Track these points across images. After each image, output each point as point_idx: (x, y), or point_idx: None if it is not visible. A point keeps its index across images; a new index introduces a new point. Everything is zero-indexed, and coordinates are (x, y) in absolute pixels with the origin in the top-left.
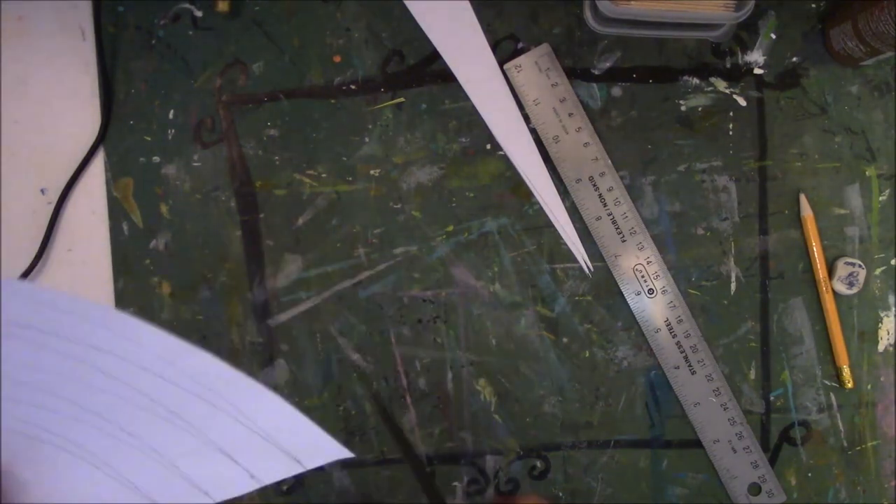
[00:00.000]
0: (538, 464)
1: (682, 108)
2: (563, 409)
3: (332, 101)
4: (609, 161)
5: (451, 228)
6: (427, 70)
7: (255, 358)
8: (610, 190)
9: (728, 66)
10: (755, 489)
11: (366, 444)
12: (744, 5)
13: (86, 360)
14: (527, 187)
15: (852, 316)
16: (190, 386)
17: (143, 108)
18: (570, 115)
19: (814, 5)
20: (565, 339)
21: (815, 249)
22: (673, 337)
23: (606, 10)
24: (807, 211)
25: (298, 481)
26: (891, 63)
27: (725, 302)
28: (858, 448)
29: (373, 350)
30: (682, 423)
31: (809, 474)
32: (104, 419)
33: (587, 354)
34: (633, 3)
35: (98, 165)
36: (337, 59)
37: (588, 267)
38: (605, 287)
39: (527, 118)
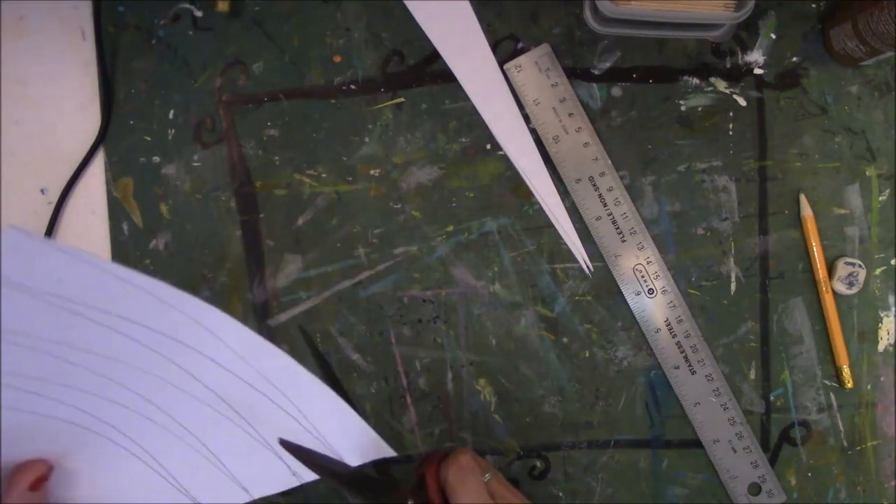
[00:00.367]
0: (538, 464)
1: (682, 108)
2: (563, 409)
3: (332, 101)
4: (609, 161)
5: (451, 228)
6: (427, 70)
7: None
8: (610, 190)
9: (728, 66)
10: (755, 489)
11: None
12: (744, 5)
13: (161, 351)
14: (527, 187)
15: (852, 316)
16: (261, 385)
17: (143, 108)
18: (570, 115)
19: (814, 5)
20: (565, 339)
21: (815, 249)
22: (673, 337)
23: (606, 10)
24: (807, 211)
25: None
26: (891, 63)
27: (725, 302)
28: (858, 448)
29: (373, 350)
30: (682, 423)
31: (809, 474)
32: (163, 412)
33: (587, 354)
34: (633, 3)
35: (98, 165)
36: (337, 59)
37: (588, 267)
38: (605, 287)
39: (527, 118)
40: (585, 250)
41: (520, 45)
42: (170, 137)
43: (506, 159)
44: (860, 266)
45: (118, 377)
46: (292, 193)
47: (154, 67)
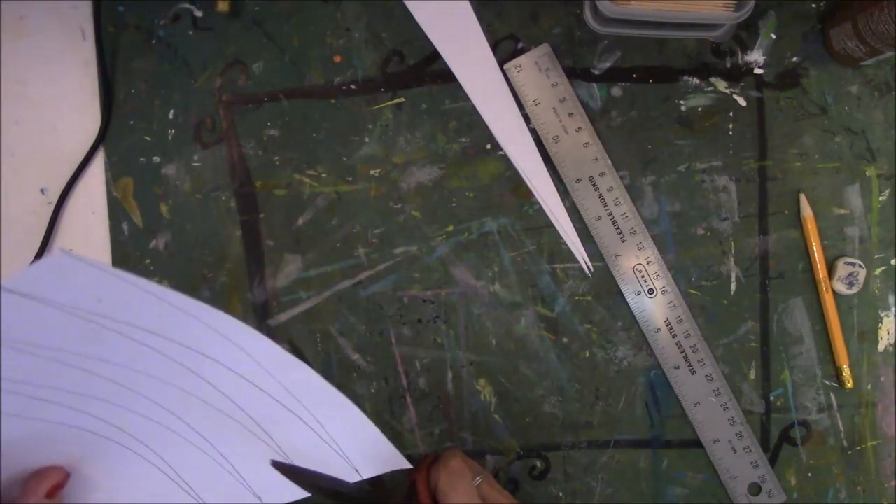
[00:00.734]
0: (538, 464)
1: (682, 108)
2: (563, 409)
3: (332, 101)
4: (609, 161)
5: (451, 228)
6: (427, 70)
7: None
8: (610, 190)
9: (728, 66)
10: (755, 489)
11: None
12: (744, 5)
13: (186, 363)
14: (527, 187)
15: (852, 316)
16: (282, 396)
17: (143, 108)
18: (570, 115)
19: (814, 5)
20: (565, 339)
21: (815, 249)
22: (673, 337)
23: (606, 10)
24: (807, 211)
25: None
26: (891, 63)
27: (725, 302)
28: (858, 448)
29: (373, 350)
30: (682, 423)
31: (809, 474)
32: (182, 421)
33: (587, 354)
34: (633, 3)
35: (98, 165)
36: (337, 59)
37: (588, 267)
38: (605, 287)
39: (527, 118)
40: (585, 250)
41: (520, 45)
42: (170, 137)
43: (506, 159)
44: (860, 266)
45: (141, 388)
46: (292, 193)
47: (154, 67)
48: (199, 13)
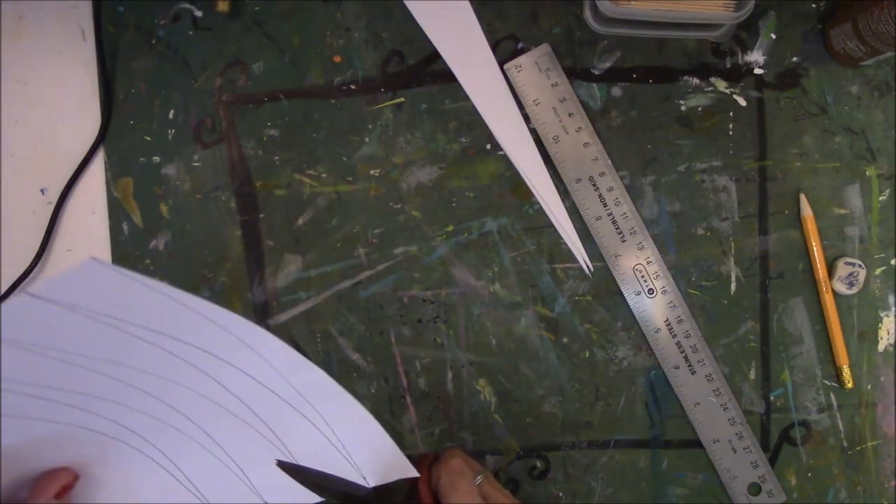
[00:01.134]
0: (538, 464)
1: (682, 108)
2: (563, 409)
3: (332, 101)
4: (609, 161)
5: (451, 228)
6: (427, 70)
7: None
8: (610, 190)
9: (728, 66)
10: (755, 489)
11: None
12: (744, 5)
13: (201, 366)
14: (527, 187)
15: (852, 316)
16: (294, 399)
17: (143, 108)
18: (570, 115)
19: (814, 5)
20: (565, 339)
21: (815, 249)
22: (673, 337)
23: (606, 10)
24: (807, 211)
25: None
26: (891, 63)
27: (725, 302)
28: (858, 448)
29: (373, 350)
30: (682, 423)
31: (809, 474)
32: (192, 423)
33: (587, 354)
34: (633, 3)
35: (98, 165)
36: (337, 59)
37: (588, 267)
38: (605, 287)
39: (527, 118)
40: (585, 250)
41: (520, 45)
42: (170, 137)
43: (506, 159)
44: (860, 266)
45: (152, 390)
46: (292, 193)
47: (154, 67)
48: (199, 13)
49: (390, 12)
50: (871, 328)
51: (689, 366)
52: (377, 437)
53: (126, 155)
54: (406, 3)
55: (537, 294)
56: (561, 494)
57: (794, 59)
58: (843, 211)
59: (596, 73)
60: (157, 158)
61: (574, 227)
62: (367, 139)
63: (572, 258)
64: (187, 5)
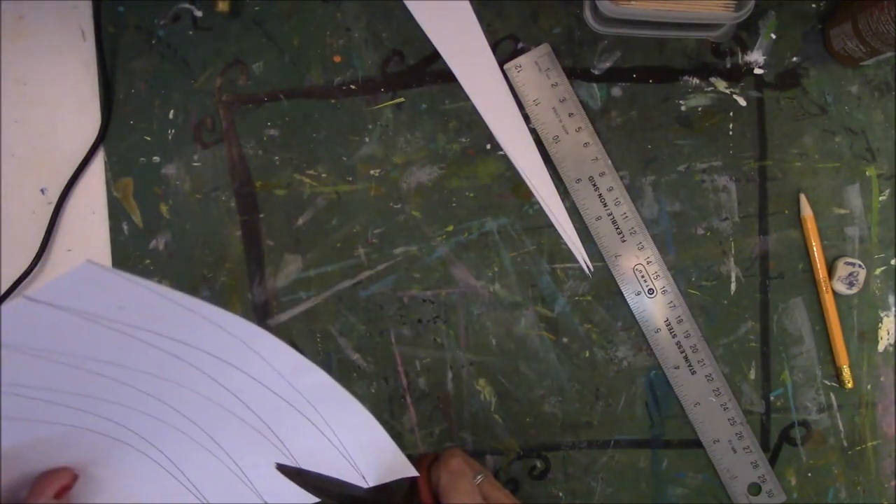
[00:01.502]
0: (538, 464)
1: (682, 108)
2: (563, 409)
3: (332, 101)
4: (609, 161)
5: (451, 228)
6: (427, 70)
7: None
8: (610, 190)
9: (728, 66)
10: (755, 489)
11: None
12: (744, 5)
13: (204, 368)
14: (527, 187)
15: (852, 316)
16: (293, 399)
17: (143, 108)
18: (570, 115)
19: (814, 5)
20: (565, 339)
21: (815, 249)
22: (673, 337)
23: (606, 10)
24: (807, 211)
25: None
26: (891, 63)
27: (725, 302)
28: (858, 448)
29: (373, 350)
30: (682, 423)
31: (809, 474)
32: (194, 424)
33: (587, 354)
34: (633, 3)
35: (98, 165)
36: (337, 59)
37: (588, 267)
38: (605, 287)
39: (527, 118)
40: (585, 250)
41: (520, 45)
42: (170, 137)
43: (506, 159)
44: (860, 266)
45: (153, 391)
46: (292, 193)
47: (154, 67)
48: (199, 13)
49: (390, 12)
50: (871, 328)
51: (689, 366)
52: (377, 437)
53: (126, 155)
54: (406, 3)
55: (537, 294)
56: (561, 494)
57: (794, 59)
58: (843, 211)
59: (596, 73)
60: (157, 158)
61: (574, 227)
62: (367, 139)
63: (572, 258)
64: (187, 5)
